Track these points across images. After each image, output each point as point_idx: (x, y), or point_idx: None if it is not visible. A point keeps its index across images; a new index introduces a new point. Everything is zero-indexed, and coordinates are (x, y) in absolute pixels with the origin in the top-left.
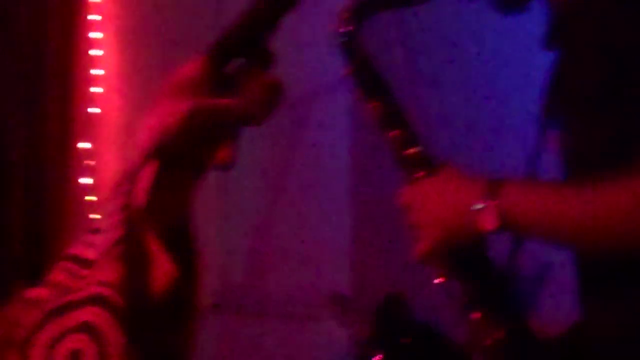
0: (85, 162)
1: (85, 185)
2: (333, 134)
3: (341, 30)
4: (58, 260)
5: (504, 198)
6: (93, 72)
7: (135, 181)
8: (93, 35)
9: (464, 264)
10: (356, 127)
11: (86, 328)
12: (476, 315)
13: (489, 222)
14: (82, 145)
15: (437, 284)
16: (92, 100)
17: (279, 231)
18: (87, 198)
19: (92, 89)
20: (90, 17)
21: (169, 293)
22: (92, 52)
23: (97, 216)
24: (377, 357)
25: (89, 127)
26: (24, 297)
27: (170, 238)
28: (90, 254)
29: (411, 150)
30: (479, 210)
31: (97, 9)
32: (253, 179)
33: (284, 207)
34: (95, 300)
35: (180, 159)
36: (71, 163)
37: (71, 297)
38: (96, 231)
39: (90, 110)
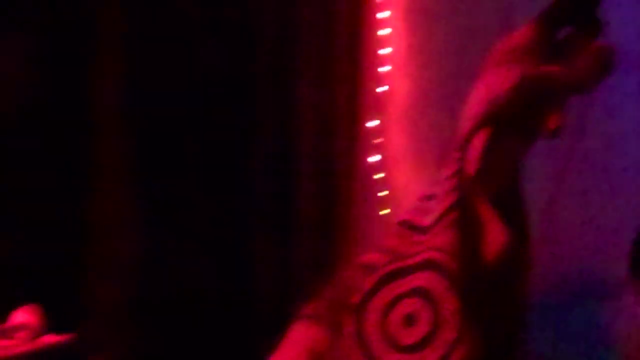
0: (374, 140)
1: (374, 163)
2: (622, 120)
3: None
4: (393, 226)
5: None
6: (381, 51)
7: (466, 148)
8: (380, 15)
9: None
10: None
11: (420, 292)
12: None
13: None
14: (370, 123)
15: None
16: (380, 79)
17: (568, 216)
18: (376, 176)
19: (380, 69)
20: None
21: (502, 259)
22: (380, 31)
23: (385, 193)
24: None
25: (377, 106)
26: (359, 263)
27: (501, 204)
28: (423, 220)
29: None
30: None
31: None
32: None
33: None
34: (429, 265)
35: (511, 126)
36: (360, 141)
37: (405, 262)
38: (429, 198)
39: (378, 89)
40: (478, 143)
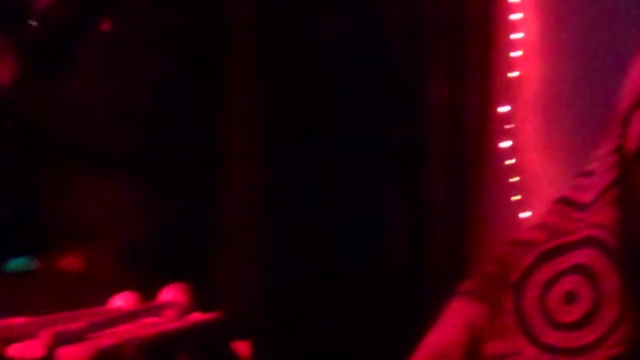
0: (505, 125)
1: (505, 149)
2: None
3: None
4: (551, 203)
5: None
6: (513, 36)
7: (628, 124)
8: None
9: None
10: None
11: (581, 270)
12: None
13: None
14: (502, 109)
15: None
16: (512, 64)
17: None
18: (507, 162)
19: (512, 53)
20: None
21: None
22: (512, 16)
23: (516, 179)
24: None
25: (508, 91)
26: (517, 239)
27: None
28: (583, 197)
29: None
30: None
31: None
32: None
33: None
34: (590, 242)
35: None
36: (491, 126)
37: (565, 239)
38: (589, 174)
39: (510, 74)
40: (638, 119)
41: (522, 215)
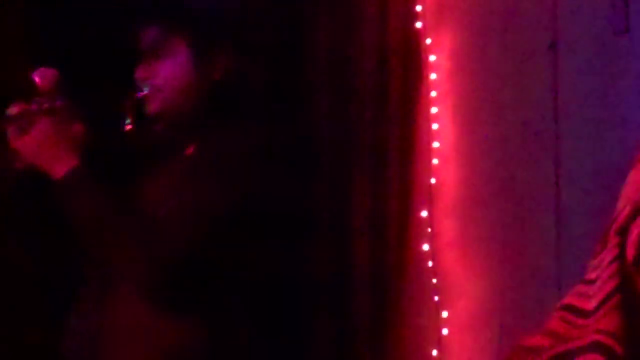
0: (426, 229)
1: (426, 252)
2: None
3: None
4: (554, 311)
5: None
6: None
7: (625, 233)
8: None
9: None
10: None
11: None
12: None
13: None
14: (422, 213)
15: None
16: (430, 171)
17: None
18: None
19: (433, 161)
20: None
21: None
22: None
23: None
24: None
25: (428, 197)
26: (525, 346)
27: None
28: (586, 304)
29: None
30: None
31: (434, 86)
32: None
33: None
34: (596, 348)
35: None
36: (413, 230)
37: (570, 345)
38: (591, 282)
39: (429, 180)
40: (636, 229)
41: (443, 314)
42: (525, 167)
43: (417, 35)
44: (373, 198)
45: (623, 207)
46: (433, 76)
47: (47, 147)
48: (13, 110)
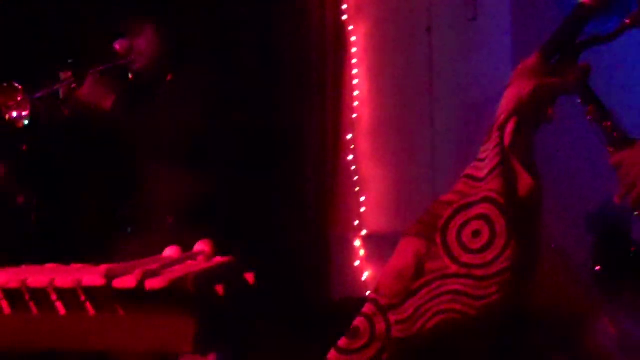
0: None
1: (350, 161)
2: None
3: None
4: (460, 178)
5: None
6: (355, 93)
7: (504, 129)
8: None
9: None
10: None
11: (481, 217)
12: None
13: None
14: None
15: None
16: (353, 105)
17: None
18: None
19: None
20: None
21: (530, 195)
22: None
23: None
24: None
25: (351, 124)
26: (442, 200)
27: (525, 162)
28: (480, 173)
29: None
30: None
31: (354, 55)
32: None
33: None
34: (486, 200)
35: (528, 116)
36: (343, 146)
37: (470, 199)
38: (482, 160)
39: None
40: (510, 126)
41: (360, 203)
42: (409, 105)
43: (344, 24)
44: (319, 119)
45: (501, 114)
46: (354, 49)
47: (97, 92)
48: (66, 74)
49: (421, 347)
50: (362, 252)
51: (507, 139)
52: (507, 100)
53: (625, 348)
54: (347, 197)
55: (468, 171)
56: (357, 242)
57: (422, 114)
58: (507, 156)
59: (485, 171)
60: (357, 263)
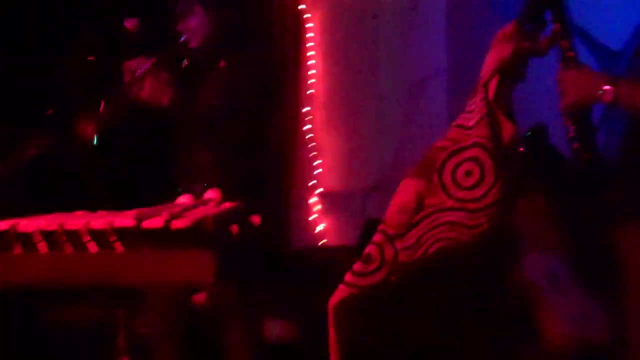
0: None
1: (307, 130)
2: None
3: None
4: (452, 127)
5: (618, 87)
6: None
7: (488, 85)
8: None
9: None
10: None
11: (472, 159)
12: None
13: (607, 98)
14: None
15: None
16: (309, 82)
17: None
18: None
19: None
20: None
21: (512, 139)
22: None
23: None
24: None
25: (309, 98)
26: (437, 146)
27: (507, 112)
28: (469, 123)
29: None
30: (604, 91)
31: (310, 39)
32: None
33: None
34: (477, 144)
35: (508, 74)
36: (301, 118)
37: (462, 144)
38: (470, 112)
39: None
40: (493, 83)
41: (316, 166)
42: (358, 82)
43: (301, 12)
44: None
45: (484, 74)
46: (310, 34)
47: (156, 91)
48: (132, 64)
49: (424, 268)
50: (317, 208)
51: (491, 94)
52: (490, 62)
53: (552, 283)
54: (304, 161)
55: (458, 121)
56: (313, 199)
57: (369, 89)
58: (492, 108)
59: (474, 121)
60: (312, 217)
